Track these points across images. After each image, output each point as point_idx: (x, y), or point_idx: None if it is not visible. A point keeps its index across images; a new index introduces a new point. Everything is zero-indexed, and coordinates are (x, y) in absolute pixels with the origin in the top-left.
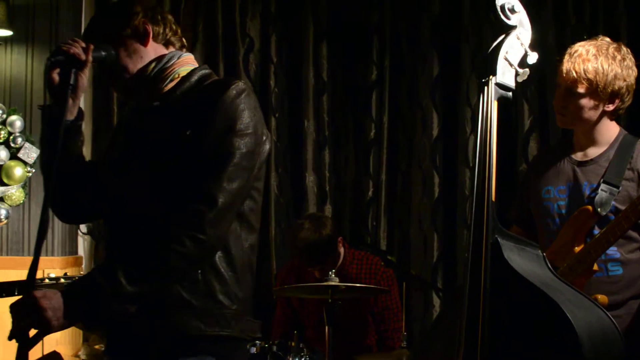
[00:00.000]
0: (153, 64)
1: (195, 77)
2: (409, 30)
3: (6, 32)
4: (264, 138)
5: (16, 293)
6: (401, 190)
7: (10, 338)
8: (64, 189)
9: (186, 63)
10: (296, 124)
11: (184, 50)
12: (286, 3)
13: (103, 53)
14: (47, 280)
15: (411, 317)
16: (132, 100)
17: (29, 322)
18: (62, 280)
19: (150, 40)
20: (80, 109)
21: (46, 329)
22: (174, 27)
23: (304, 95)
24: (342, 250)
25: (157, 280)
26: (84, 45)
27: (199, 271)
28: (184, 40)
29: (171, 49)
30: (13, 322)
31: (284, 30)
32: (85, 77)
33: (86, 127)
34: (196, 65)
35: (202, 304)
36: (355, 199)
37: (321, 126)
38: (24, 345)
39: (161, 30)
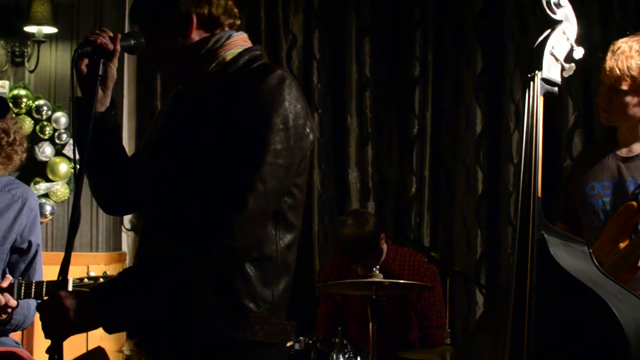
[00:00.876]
0: (195, 49)
1: (241, 61)
2: (452, 25)
3: (51, 30)
4: (307, 131)
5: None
6: (444, 187)
7: (46, 336)
8: (103, 180)
9: (234, 45)
10: (339, 120)
11: (234, 28)
12: None
13: (132, 41)
14: (86, 280)
15: (454, 313)
16: (177, 84)
17: (52, 321)
18: (101, 279)
19: (194, 24)
20: (112, 99)
21: (67, 330)
22: (222, 2)
23: (347, 92)
24: (384, 246)
25: (182, 288)
26: (111, 34)
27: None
28: (236, 15)
29: (218, 31)
30: (41, 321)
31: (326, 26)
32: (115, 67)
33: (130, 123)
34: (248, 45)
35: (225, 307)
36: (398, 196)
37: (364, 122)
38: (55, 344)
39: (206, 11)
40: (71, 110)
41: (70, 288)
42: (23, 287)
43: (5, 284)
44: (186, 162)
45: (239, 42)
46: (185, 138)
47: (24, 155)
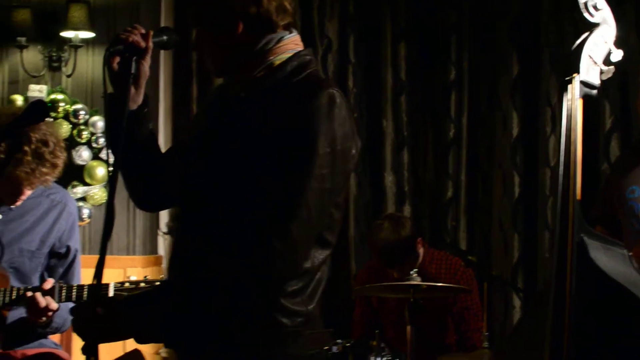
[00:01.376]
0: (243, 51)
1: (289, 67)
2: (487, 29)
3: (88, 34)
4: (353, 152)
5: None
6: (481, 191)
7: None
8: (136, 176)
9: (285, 50)
10: (375, 124)
11: (289, 29)
12: (364, 3)
13: (164, 37)
14: (127, 284)
15: (492, 317)
16: (218, 76)
17: (83, 328)
18: (142, 284)
19: (240, 25)
20: (145, 95)
21: (98, 337)
22: (274, 2)
23: (383, 96)
24: (421, 250)
25: (218, 307)
26: (143, 31)
27: None
28: (291, 13)
29: (270, 33)
30: (72, 325)
31: (362, 31)
32: (147, 64)
33: (165, 127)
34: (299, 48)
35: (259, 324)
36: (435, 199)
37: (400, 126)
38: (90, 345)
39: (254, 11)
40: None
41: (111, 292)
42: (64, 291)
43: (47, 287)
44: (226, 171)
45: (289, 45)
46: (227, 146)
47: (65, 155)
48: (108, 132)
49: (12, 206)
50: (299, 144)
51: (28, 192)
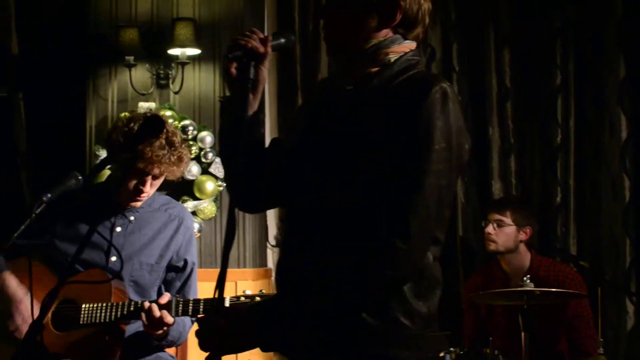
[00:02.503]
0: (368, 40)
1: (397, 67)
2: (593, 32)
3: (194, 51)
4: (466, 147)
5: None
6: (590, 195)
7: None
8: (242, 179)
9: (400, 51)
10: (480, 132)
11: (419, 40)
12: (466, 10)
13: (282, 40)
14: (243, 298)
15: (606, 323)
16: (335, 60)
17: (208, 340)
18: (258, 298)
19: (398, 16)
20: (261, 101)
21: (222, 349)
22: (426, 9)
23: (488, 103)
24: (528, 256)
25: (340, 311)
26: (262, 36)
27: None
28: (426, 26)
29: (398, 34)
30: (197, 337)
31: (465, 38)
32: (266, 70)
33: (271, 117)
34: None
35: (381, 326)
36: (543, 206)
37: (506, 133)
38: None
39: (414, 9)
40: (218, 130)
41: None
42: (181, 305)
43: (163, 301)
44: (338, 169)
45: (404, 49)
46: (337, 144)
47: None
48: (222, 136)
49: (131, 217)
50: (416, 140)
51: (149, 191)
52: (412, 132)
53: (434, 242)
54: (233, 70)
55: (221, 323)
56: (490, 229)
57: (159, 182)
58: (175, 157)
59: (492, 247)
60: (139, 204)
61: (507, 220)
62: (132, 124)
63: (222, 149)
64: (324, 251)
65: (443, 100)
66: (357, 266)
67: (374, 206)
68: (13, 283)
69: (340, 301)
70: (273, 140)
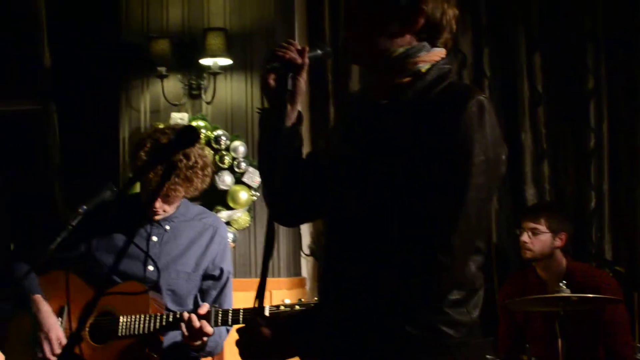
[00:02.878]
0: (397, 52)
1: (429, 77)
2: (623, 33)
3: (226, 61)
4: (503, 158)
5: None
6: (624, 200)
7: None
8: (281, 194)
9: (431, 60)
10: (513, 137)
11: (448, 48)
12: (497, 15)
13: (319, 52)
14: (282, 307)
15: None
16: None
17: (249, 348)
18: (297, 307)
19: (419, 22)
20: (299, 112)
21: (263, 356)
22: (451, 16)
23: (520, 108)
24: (563, 261)
25: (383, 322)
26: (299, 47)
27: None
28: (452, 33)
29: (426, 42)
30: (237, 347)
31: (496, 43)
32: (303, 81)
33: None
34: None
35: (424, 338)
36: (577, 211)
37: (538, 138)
38: None
39: (437, 15)
40: (250, 140)
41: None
42: (220, 315)
43: (202, 312)
44: (377, 184)
45: (434, 57)
46: (375, 158)
47: (207, 179)
48: (261, 148)
49: (167, 227)
50: (455, 154)
51: (160, 207)
52: (451, 147)
53: (475, 251)
54: (271, 82)
55: (264, 331)
56: (525, 237)
57: (172, 200)
58: (182, 177)
59: (529, 254)
60: (159, 217)
61: (542, 227)
62: (159, 135)
63: (261, 162)
64: (364, 262)
65: (480, 113)
66: (400, 279)
67: (414, 219)
68: (45, 308)
69: (382, 313)
70: (310, 154)
